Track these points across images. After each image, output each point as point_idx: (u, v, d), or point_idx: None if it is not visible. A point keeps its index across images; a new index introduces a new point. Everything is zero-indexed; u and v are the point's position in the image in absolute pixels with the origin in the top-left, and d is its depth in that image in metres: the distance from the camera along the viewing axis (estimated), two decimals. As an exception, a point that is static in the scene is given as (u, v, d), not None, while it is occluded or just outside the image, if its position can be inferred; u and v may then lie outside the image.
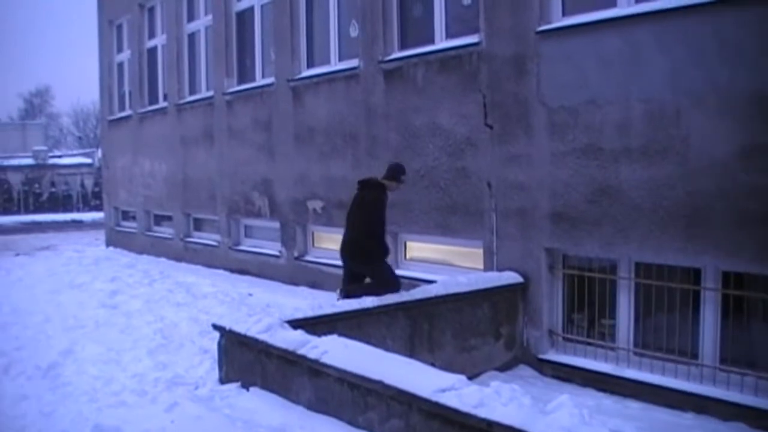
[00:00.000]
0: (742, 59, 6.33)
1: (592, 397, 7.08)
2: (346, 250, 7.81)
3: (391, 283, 7.61)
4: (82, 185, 40.62)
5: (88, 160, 42.82)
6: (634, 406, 6.86)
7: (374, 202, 7.65)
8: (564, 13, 7.91)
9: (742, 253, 6.38)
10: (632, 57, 7.08)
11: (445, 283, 7.87)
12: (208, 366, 7.28)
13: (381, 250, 7.66)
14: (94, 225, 28.84)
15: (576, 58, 7.59)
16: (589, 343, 7.74)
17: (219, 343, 6.84)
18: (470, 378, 5.59)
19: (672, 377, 6.96)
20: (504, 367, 7.96)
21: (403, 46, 10.08)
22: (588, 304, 7.82)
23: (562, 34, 7.74)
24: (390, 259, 8.70)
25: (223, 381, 6.73)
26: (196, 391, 6.58)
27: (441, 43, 9.37)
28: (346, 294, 7.52)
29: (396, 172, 7.91)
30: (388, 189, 7.80)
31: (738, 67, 6.36)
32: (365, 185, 7.87)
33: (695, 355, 6.90)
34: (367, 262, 7.69)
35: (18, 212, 36.91)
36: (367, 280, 7.81)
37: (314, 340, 5.88)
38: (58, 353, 7.98)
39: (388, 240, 8.13)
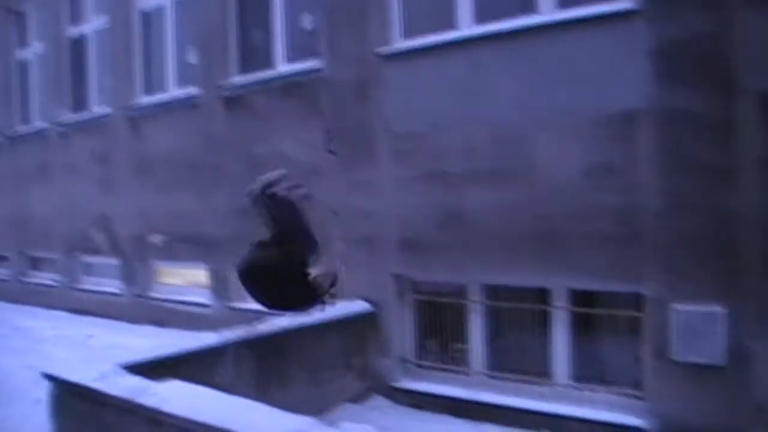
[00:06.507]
0: (583, 80, 6.42)
1: (447, 424, 7.01)
2: None
3: None
4: None
5: None
6: (490, 431, 6.81)
7: None
8: (405, 36, 7.86)
9: (592, 272, 6.45)
10: (476, 79, 7.09)
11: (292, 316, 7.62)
12: (40, 420, 6.74)
13: None
14: None
15: (420, 82, 7.56)
16: (442, 369, 7.68)
17: (51, 394, 6.34)
18: (324, 412, 5.39)
19: (527, 398, 6.96)
20: (358, 399, 7.77)
21: (243, 72, 9.81)
22: (440, 330, 7.76)
23: (405, 57, 7.70)
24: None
25: (56, 436, 6.25)
26: (26, 449, 6.09)
27: (282, 68, 9.16)
28: None
29: None
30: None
31: (580, 87, 6.44)
32: None
33: (548, 375, 6.93)
34: None
35: None
36: None
37: (153, 386, 5.50)
38: None
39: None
